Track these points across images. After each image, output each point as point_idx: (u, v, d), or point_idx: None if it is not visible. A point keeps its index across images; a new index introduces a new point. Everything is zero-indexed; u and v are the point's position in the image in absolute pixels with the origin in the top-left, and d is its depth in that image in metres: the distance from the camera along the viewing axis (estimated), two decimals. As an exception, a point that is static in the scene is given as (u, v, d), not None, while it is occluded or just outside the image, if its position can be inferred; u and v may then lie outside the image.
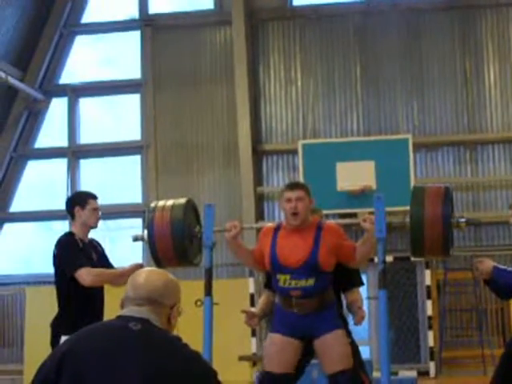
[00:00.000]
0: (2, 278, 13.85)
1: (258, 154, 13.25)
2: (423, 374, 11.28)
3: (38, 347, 7.10)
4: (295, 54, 13.40)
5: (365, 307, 5.66)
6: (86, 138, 14.22)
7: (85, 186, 13.44)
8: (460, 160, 12.87)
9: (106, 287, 5.52)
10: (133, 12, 14.28)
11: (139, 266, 5.20)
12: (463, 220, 5.21)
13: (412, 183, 11.41)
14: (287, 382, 5.12)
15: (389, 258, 10.80)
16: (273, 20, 13.52)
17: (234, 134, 13.17)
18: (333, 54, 13.30)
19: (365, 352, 9.46)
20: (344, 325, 5.31)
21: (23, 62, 13.91)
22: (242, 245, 5.28)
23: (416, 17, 13.18)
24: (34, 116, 14.22)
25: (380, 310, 5.24)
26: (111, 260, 5.71)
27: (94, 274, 5.27)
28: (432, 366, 11.35)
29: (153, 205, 5.64)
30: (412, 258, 10.55)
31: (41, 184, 14.21)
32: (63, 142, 14.14)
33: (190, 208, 5.62)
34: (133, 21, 14.25)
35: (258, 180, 13.18)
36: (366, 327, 11.43)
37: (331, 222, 5.46)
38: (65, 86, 14.23)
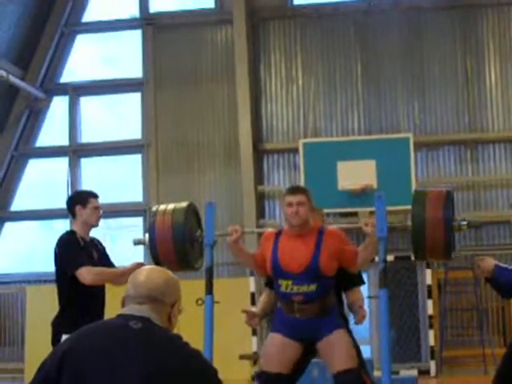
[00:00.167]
0: (3, 277, 13.86)
1: (259, 153, 13.25)
2: (424, 373, 11.27)
3: (38, 346, 7.12)
4: (296, 53, 13.40)
5: (365, 306, 5.66)
6: (86, 136, 14.22)
7: (86, 184, 13.45)
8: (461, 159, 12.87)
9: (107, 286, 5.52)
10: (134, 11, 14.29)
11: (140, 265, 5.19)
12: (465, 223, 5.22)
13: (413, 182, 11.42)
14: (282, 382, 5.10)
15: (390, 257, 10.80)
16: (274, 19, 13.52)
17: (235, 133, 13.17)
18: (334, 52, 13.30)
19: (366, 351, 9.47)
20: (345, 324, 5.31)
21: (24, 60, 13.91)
22: (243, 249, 5.27)
23: (417, 16, 13.17)
24: (35, 115, 14.23)
25: (381, 309, 5.24)
26: (112, 259, 5.72)
27: (95, 273, 5.27)
28: (433, 365, 11.34)
29: (154, 209, 5.63)
30: (413, 258, 10.53)
31: (42, 183, 14.21)
32: (64, 141, 14.14)
33: (191, 212, 5.61)
34: (134, 20, 14.26)
35: (259, 179, 13.18)
36: (367, 326, 11.42)
37: (333, 226, 5.45)
38: (66, 84, 14.23)
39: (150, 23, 13.98)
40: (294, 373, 5.20)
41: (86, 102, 14.39)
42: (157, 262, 5.49)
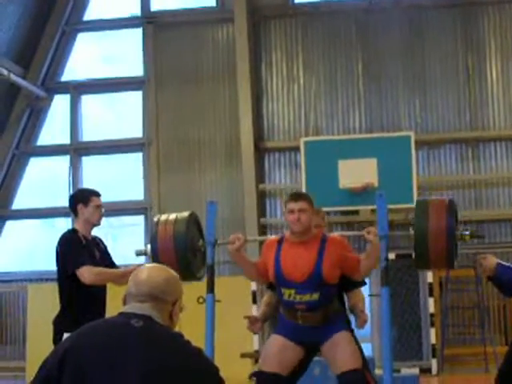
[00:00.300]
0: (5, 275, 13.86)
1: (260, 152, 13.25)
2: (425, 371, 11.26)
3: (40, 344, 7.12)
4: (297, 52, 13.40)
5: (367, 304, 5.66)
6: (88, 135, 14.22)
7: (87, 183, 13.45)
8: (462, 157, 12.87)
9: (108, 285, 5.52)
10: (135, 9, 14.28)
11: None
12: (467, 233, 5.22)
13: (414, 181, 11.42)
14: (279, 383, 5.09)
15: (391, 256, 10.76)
16: (275, 17, 13.52)
17: (236, 132, 13.17)
18: (335, 51, 13.30)
19: (367, 349, 9.46)
20: (348, 325, 5.30)
21: (25, 59, 13.91)
22: (245, 257, 5.23)
23: (418, 14, 13.16)
24: (36, 113, 14.23)
25: (382, 308, 5.24)
26: (114, 257, 5.71)
27: (95, 273, 5.26)
28: (434, 363, 11.34)
29: (155, 219, 5.60)
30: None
31: (43, 181, 14.21)
32: (65, 140, 14.14)
33: (193, 221, 5.56)
34: (135, 18, 14.25)
35: (260, 177, 13.18)
36: (368, 324, 11.40)
37: (335, 234, 5.44)
38: (67, 83, 14.24)
39: (150, 21, 13.98)
40: (293, 375, 5.18)
41: (87, 101, 14.40)
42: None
